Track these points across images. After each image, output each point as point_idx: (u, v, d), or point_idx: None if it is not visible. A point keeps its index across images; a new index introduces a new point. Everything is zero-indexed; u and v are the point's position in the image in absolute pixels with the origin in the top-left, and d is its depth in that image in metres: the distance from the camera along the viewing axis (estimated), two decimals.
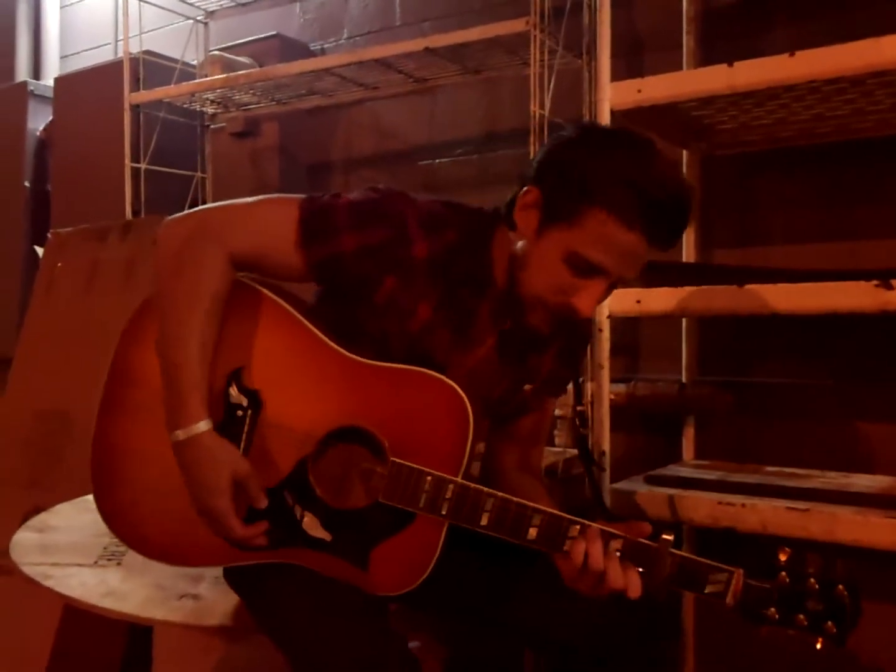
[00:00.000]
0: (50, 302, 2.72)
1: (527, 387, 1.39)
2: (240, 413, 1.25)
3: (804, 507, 1.64)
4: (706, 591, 1.14)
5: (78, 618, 1.87)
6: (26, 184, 3.51)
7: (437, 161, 2.79)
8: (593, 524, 1.16)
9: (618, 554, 1.14)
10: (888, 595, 2.02)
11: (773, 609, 1.13)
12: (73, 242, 2.74)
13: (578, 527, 1.16)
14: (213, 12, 3.28)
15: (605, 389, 1.87)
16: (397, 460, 1.20)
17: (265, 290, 1.28)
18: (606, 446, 1.88)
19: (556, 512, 1.17)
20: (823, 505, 1.66)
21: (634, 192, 1.13)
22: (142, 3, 3.08)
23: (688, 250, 2.24)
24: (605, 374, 1.87)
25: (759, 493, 1.76)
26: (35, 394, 2.58)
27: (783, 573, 1.14)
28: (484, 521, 1.17)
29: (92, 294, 2.55)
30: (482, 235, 1.28)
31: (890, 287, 1.55)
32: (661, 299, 1.82)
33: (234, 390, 1.25)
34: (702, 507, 1.73)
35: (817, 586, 1.13)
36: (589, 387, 2.08)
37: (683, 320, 2.23)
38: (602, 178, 1.14)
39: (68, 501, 1.82)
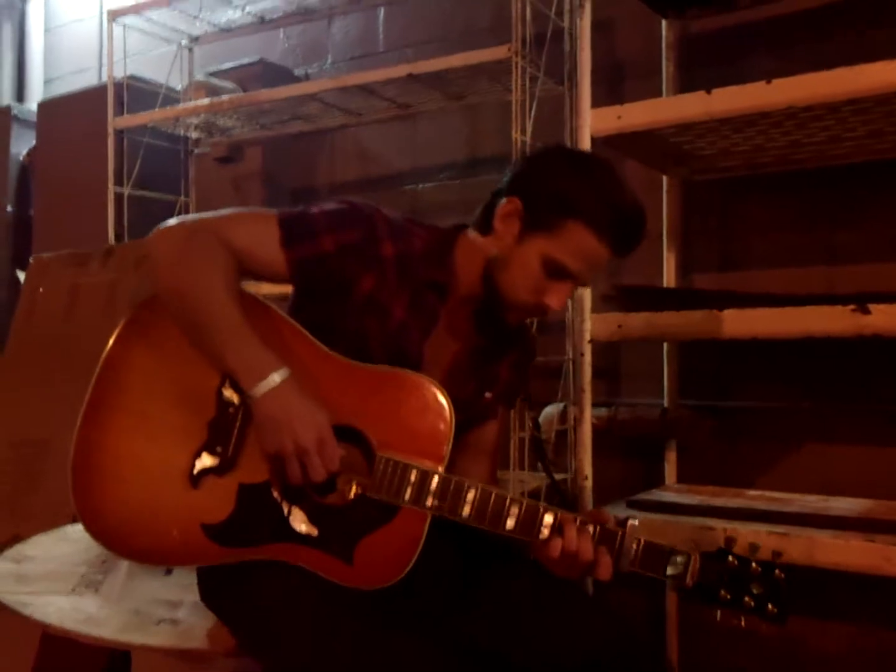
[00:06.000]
0: (31, 327, 2.70)
1: (487, 394, 1.46)
2: (231, 410, 1.27)
3: (783, 531, 1.64)
4: (668, 574, 1.22)
5: (56, 646, 1.85)
6: (9, 208, 3.51)
7: (421, 186, 2.81)
8: (567, 512, 1.25)
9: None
10: (868, 618, 2.02)
11: (723, 591, 1.21)
12: (55, 268, 2.73)
13: (552, 515, 1.24)
14: (197, 38, 3.28)
15: (587, 414, 1.88)
16: (384, 455, 1.24)
17: (252, 293, 1.32)
18: (588, 471, 1.88)
19: (532, 501, 1.25)
20: (803, 529, 1.67)
21: (611, 210, 1.28)
22: (126, 28, 3.08)
23: (668, 275, 2.25)
24: (587, 399, 1.87)
25: (741, 517, 1.77)
26: (15, 421, 2.56)
27: (730, 557, 1.22)
28: (465, 513, 1.23)
29: (73, 320, 2.54)
30: (445, 246, 1.38)
31: (866, 311, 1.56)
32: (641, 324, 1.83)
33: (226, 389, 1.27)
34: (683, 532, 1.73)
35: (759, 569, 1.21)
36: (571, 411, 2.08)
37: (664, 345, 2.24)
38: (582, 194, 1.28)
39: (45, 533, 1.80)
